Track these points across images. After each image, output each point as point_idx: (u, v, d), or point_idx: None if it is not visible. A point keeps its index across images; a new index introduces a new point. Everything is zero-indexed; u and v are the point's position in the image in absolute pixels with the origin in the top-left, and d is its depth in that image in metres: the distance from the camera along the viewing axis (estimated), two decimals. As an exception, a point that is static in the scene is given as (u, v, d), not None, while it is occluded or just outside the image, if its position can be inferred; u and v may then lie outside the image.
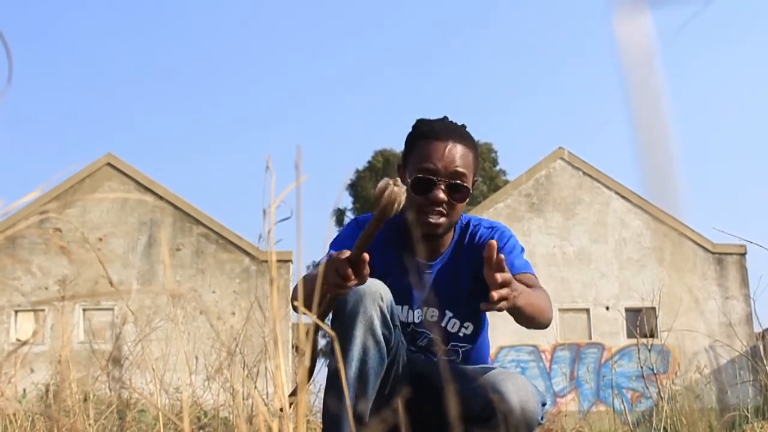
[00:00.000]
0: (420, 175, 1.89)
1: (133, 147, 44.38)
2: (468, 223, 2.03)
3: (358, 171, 32.33)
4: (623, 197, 17.37)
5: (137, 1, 46.82)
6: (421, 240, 1.92)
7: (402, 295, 1.96)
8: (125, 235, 15.97)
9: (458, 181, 1.89)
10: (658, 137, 0.60)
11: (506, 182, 27.22)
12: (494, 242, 1.61)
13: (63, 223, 14.18)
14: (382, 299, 1.73)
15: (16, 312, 15.47)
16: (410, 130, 2.02)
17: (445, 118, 2.00)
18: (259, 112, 49.83)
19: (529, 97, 51.06)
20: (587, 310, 16.79)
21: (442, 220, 1.90)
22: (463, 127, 2.00)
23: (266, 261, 15.41)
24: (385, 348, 1.73)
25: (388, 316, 1.75)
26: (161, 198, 15.97)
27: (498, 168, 32.92)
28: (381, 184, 1.54)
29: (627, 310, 16.20)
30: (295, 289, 1.72)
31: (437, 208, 1.88)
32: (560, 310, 16.73)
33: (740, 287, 17.01)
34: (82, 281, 14.51)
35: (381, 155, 32.20)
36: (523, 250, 2.02)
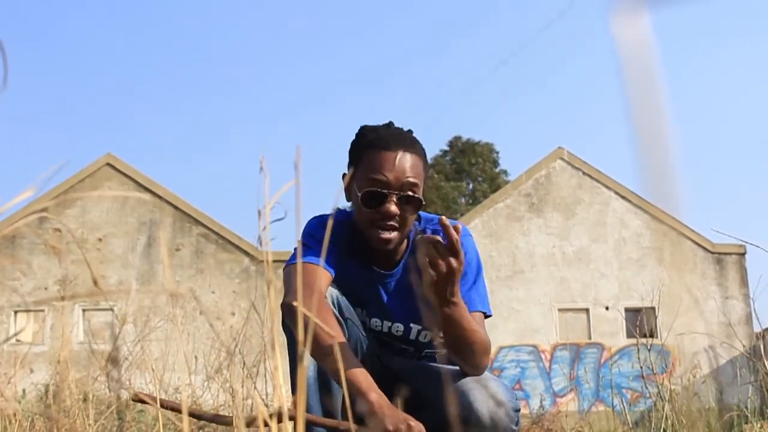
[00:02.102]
0: (370, 188, 1.80)
1: (132, 147, 44.36)
2: (425, 227, 1.94)
3: (357, 171, 32.25)
4: (623, 197, 17.37)
5: (137, 1, 46.83)
6: (377, 250, 1.85)
7: (368, 306, 1.93)
8: (125, 235, 15.97)
9: (410, 193, 1.80)
10: (658, 137, 0.60)
11: (507, 182, 27.23)
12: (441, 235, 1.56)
13: (62, 223, 14.18)
14: (326, 296, 1.72)
15: (16, 312, 15.47)
16: (355, 137, 1.92)
17: (391, 124, 1.92)
18: (259, 112, 49.84)
19: (529, 97, 51.07)
20: (587, 310, 16.78)
21: (394, 234, 1.81)
22: (410, 133, 1.91)
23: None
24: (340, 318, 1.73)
25: (336, 311, 1.73)
26: (161, 198, 15.97)
27: (499, 169, 32.92)
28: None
29: (627, 310, 16.20)
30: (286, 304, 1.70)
31: (389, 222, 1.80)
32: (560, 310, 16.73)
33: (740, 287, 17.02)
34: (81, 281, 14.51)
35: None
36: (478, 270, 1.90)
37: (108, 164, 16.37)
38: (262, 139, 44.84)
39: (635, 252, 17.07)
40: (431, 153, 33.48)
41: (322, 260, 1.78)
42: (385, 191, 1.79)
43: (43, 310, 15.11)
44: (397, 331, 1.94)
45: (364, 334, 1.87)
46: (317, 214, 1.99)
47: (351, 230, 1.89)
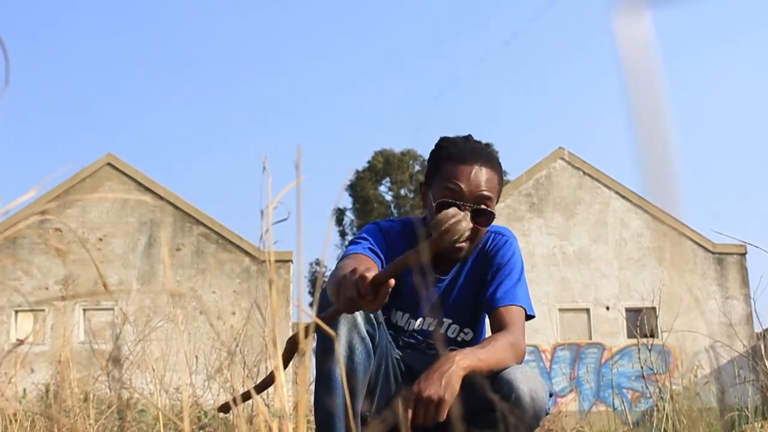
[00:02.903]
0: (445, 199, 1.86)
1: (133, 147, 44.38)
2: (489, 236, 2.01)
3: (357, 171, 32.31)
4: (623, 197, 17.37)
5: (137, 1, 46.83)
6: (437, 255, 1.88)
7: (408, 304, 1.97)
8: (125, 235, 15.97)
9: (483, 206, 1.86)
10: (658, 137, 0.60)
11: (506, 182, 27.23)
12: None
13: (63, 223, 14.18)
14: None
15: (17, 312, 15.47)
16: (434, 148, 1.98)
17: (470, 137, 1.97)
18: (259, 111, 49.84)
19: (529, 97, 51.07)
20: (587, 310, 16.78)
21: (465, 245, 1.87)
22: (488, 147, 1.98)
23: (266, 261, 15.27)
24: (370, 344, 1.74)
25: (371, 314, 1.76)
26: (161, 198, 15.97)
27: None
28: (450, 211, 1.50)
29: (627, 310, 16.20)
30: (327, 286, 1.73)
31: None
32: (560, 310, 16.73)
33: (740, 287, 17.01)
34: (82, 281, 14.52)
35: (381, 155, 32.20)
36: (522, 271, 1.97)
37: (108, 164, 16.37)
38: (263, 138, 44.86)
39: (636, 252, 17.07)
40: (428, 153, 33.44)
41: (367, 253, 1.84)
42: (459, 202, 1.84)
43: (43, 310, 15.12)
44: (430, 325, 1.98)
45: (391, 340, 1.90)
46: (374, 221, 2.05)
47: (406, 240, 1.95)
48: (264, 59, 51.07)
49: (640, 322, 11.77)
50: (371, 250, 1.86)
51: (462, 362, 1.66)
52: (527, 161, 26.88)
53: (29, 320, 15.45)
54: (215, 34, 50.43)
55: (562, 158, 17.72)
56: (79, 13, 46.90)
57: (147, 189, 16.14)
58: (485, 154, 1.91)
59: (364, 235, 1.92)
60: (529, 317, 1.93)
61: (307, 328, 1.06)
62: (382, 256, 1.87)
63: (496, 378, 1.72)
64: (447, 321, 1.99)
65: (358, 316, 1.71)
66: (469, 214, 1.52)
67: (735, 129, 47.16)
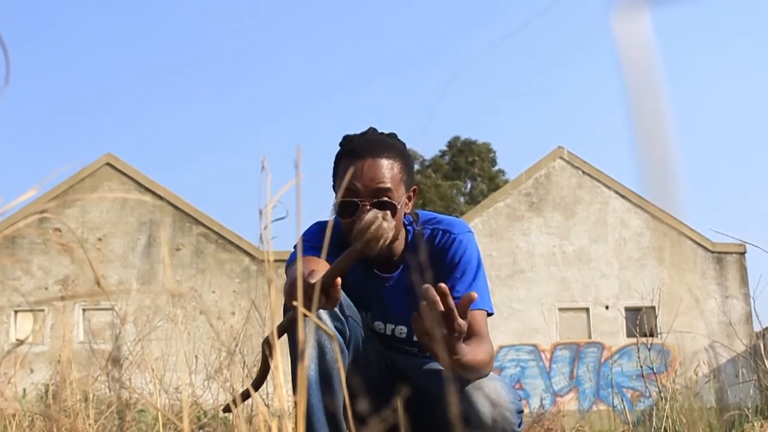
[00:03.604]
0: (342, 199, 1.81)
1: (132, 147, 44.37)
2: (423, 227, 1.92)
3: (357, 171, 32.25)
4: (623, 196, 17.37)
5: (137, 1, 46.83)
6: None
7: (371, 309, 1.94)
8: (125, 235, 15.97)
9: (384, 198, 1.80)
10: (658, 136, 0.60)
11: (506, 182, 27.23)
12: (444, 289, 1.49)
13: (62, 223, 14.18)
14: None
15: (16, 312, 15.47)
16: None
17: (370, 130, 1.91)
18: (259, 111, 49.84)
19: (529, 97, 51.08)
20: (587, 310, 16.79)
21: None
22: (390, 137, 1.90)
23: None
24: (341, 340, 1.72)
25: (337, 309, 1.73)
26: (161, 198, 15.97)
27: (497, 168, 32.94)
28: (369, 216, 1.48)
29: (627, 309, 16.21)
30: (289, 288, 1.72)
31: None
32: (560, 309, 16.74)
33: (740, 286, 17.02)
34: (82, 281, 14.51)
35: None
36: (478, 268, 1.87)
37: (108, 164, 16.37)
38: (263, 138, 44.85)
39: (635, 251, 17.07)
40: (430, 153, 33.44)
41: (323, 255, 1.79)
42: (356, 200, 1.80)
43: (43, 310, 15.11)
44: (400, 333, 1.94)
45: (364, 333, 1.87)
46: (317, 221, 2.00)
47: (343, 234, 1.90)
48: (264, 59, 51.08)
49: (640, 321, 11.79)
50: (315, 248, 1.81)
51: (457, 354, 1.59)
52: (527, 161, 26.89)
53: (29, 320, 15.44)
54: (215, 34, 50.44)
55: (562, 158, 17.72)
56: (80, 12, 46.91)
57: (146, 189, 16.14)
58: (379, 145, 1.85)
59: (308, 236, 1.89)
60: (488, 315, 1.87)
61: (272, 334, 1.08)
62: (327, 252, 1.81)
63: (459, 398, 1.69)
64: (404, 328, 1.93)
65: (323, 313, 1.68)
66: (387, 213, 1.49)
67: (735, 129, 47.18)
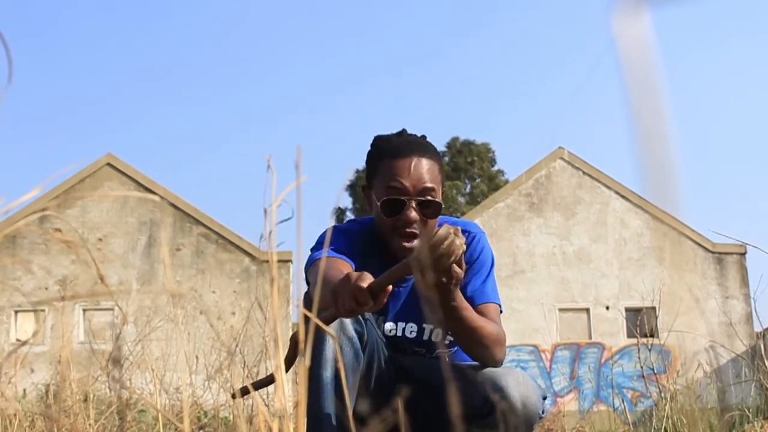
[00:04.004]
0: (388, 197, 1.82)
1: (133, 147, 44.38)
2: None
3: (357, 171, 32.30)
4: (623, 197, 17.37)
5: (137, 1, 46.84)
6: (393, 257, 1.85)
7: (384, 312, 1.93)
8: (125, 235, 15.97)
9: (429, 197, 1.83)
10: (658, 136, 0.60)
11: (506, 182, 27.23)
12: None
13: (63, 223, 14.19)
14: None
15: (17, 312, 15.47)
16: (370, 148, 1.95)
17: (404, 131, 1.94)
18: (259, 112, 49.84)
19: (529, 97, 51.07)
20: (587, 310, 16.78)
21: (416, 242, 1.83)
22: (424, 138, 1.94)
23: (266, 261, 15.38)
24: (358, 344, 1.72)
25: None
26: (161, 198, 15.97)
27: (496, 168, 32.94)
28: (442, 231, 1.47)
29: (627, 309, 16.20)
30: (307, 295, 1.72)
31: (409, 229, 1.82)
32: (560, 309, 16.73)
33: (740, 287, 17.01)
34: (82, 281, 14.51)
35: (381, 155, 32.14)
36: (492, 267, 1.94)
37: (108, 164, 16.37)
38: (263, 139, 44.86)
39: (636, 252, 17.07)
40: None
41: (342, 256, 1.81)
42: (404, 198, 1.82)
43: (43, 310, 15.11)
44: (410, 332, 1.95)
45: (381, 336, 1.88)
46: (333, 225, 2.00)
47: (368, 238, 1.91)
48: (264, 59, 51.09)
49: (640, 321, 11.76)
50: (339, 251, 1.82)
51: (455, 301, 1.64)
52: (527, 161, 26.89)
53: (29, 320, 15.44)
54: (215, 34, 50.45)
55: (562, 158, 17.72)
56: (80, 12, 46.92)
57: (147, 189, 16.14)
58: (421, 145, 1.88)
59: (329, 239, 1.88)
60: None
61: (307, 329, 1.06)
62: (348, 254, 1.84)
63: (488, 382, 1.71)
64: (428, 327, 1.94)
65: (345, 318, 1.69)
66: (459, 228, 1.49)
67: (735, 129, 47.17)
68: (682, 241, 17.24)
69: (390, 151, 1.87)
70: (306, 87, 51.18)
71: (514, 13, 50.66)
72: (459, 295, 1.66)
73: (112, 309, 14.94)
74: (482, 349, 1.75)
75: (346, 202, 32.57)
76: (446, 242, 1.46)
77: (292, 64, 50.61)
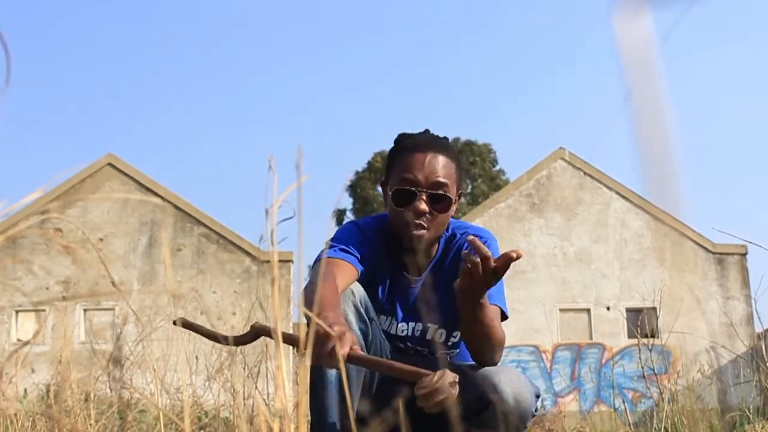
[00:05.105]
0: (400, 187, 1.86)
1: (133, 147, 44.40)
2: (453, 233, 2.00)
3: (357, 172, 32.31)
4: (624, 197, 17.36)
5: (138, 1, 46.86)
6: (409, 254, 1.89)
7: (387, 308, 1.95)
8: (126, 236, 15.97)
9: (440, 191, 1.86)
10: (659, 137, 0.60)
11: (506, 182, 27.22)
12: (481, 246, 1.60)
13: (64, 223, 14.20)
14: (353, 295, 1.74)
15: (17, 312, 15.47)
16: (393, 145, 1.98)
17: (427, 131, 1.97)
18: (260, 112, 49.85)
19: (530, 97, 51.07)
20: (588, 311, 16.78)
21: (424, 233, 1.86)
22: (446, 139, 1.97)
23: (267, 261, 15.43)
24: (363, 343, 1.74)
25: (362, 311, 1.76)
26: (162, 198, 15.98)
27: (497, 168, 32.94)
28: (444, 383, 1.47)
29: (628, 310, 16.19)
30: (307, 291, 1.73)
31: (418, 221, 1.84)
32: (561, 310, 16.73)
33: (741, 287, 17.00)
34: (83, 281, 14.52)
35: (381, 156, 32.17)
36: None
37: (109, 164, 16.37)
38: (263, 138, 44.87)
39: (636, 252, 17.06)
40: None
41: (348, 257, 1.83)
42: (414, 189, 1.85)
43: (44, 310, 15.12)
44: (417, 331, 1.97)
45: (384, 337, 1.90)
46: (350, 220, 2.03)
47: (384, 237, 1.94)
48: (265, 59, 51.10)
49: (641, 322, 11.77)
50: (345, 251, 1.84)
51: (484, 299, 1.70)
52: (528, 161, 26.89)
53: (30, 320, 15.45)
54: (216, 35, 50.46)
55: (563, 158, 17.72)
56: (80, 12, 46.94)
57: (148, 189, 16.14)
58: (440, 143, 1.92)
59: (342, 235, 1.91)
60: (503, 318, 1.92)
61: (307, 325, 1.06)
62: (357, 254, 1.86)
63: (482, 379, 1.73)
64: (432, 326, 1.96)
65: (350, 314, 1.71)
66: (456, 383, 1.50)
67: (736, 128, 47.15)
68: (683, 241, 17.23)
69: (409, 145, 1.91)
70: (306, 87, 51.19)
71: (516, 13, 50.68)
72: (486, 296, 1.71)
73: (113, 309, 14.95)
74: (488, 349, 1.78)
75: (346, 202, 32.59)
76: (441, 396, 1.47)
77: (292, 64, 50.62)
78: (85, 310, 15.18)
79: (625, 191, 17.37)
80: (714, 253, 17.17)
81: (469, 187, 32.86)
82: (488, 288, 1.65)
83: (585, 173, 17.58)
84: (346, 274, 1.77)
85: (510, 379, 1.73)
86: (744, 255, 17.15)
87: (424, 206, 1.84)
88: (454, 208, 1.94)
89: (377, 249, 1.91)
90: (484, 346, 1.78)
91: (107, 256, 15.58)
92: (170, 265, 14.25)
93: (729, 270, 17.13)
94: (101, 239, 15.77)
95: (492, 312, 1.78)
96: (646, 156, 0.61)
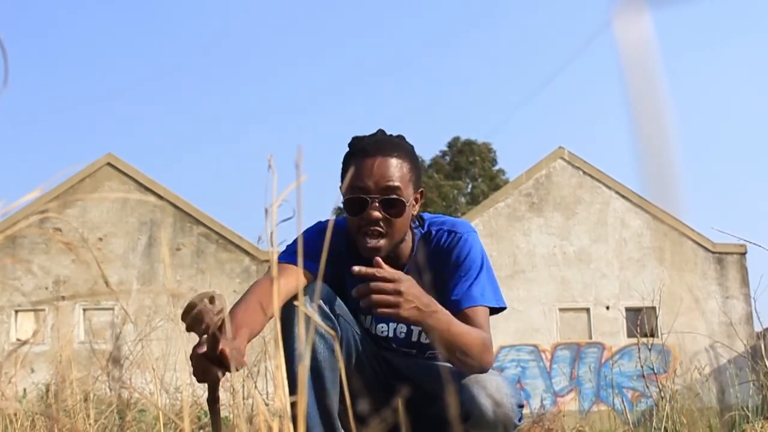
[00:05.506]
0: (351, 195, 1.80)
1: (133, 147, 44.39)
2: (429, 230, 1.94)
3: (357, 171, 32.26)
4: (623, 197, 17.37)
5: (138, 1, 46.86)
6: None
7: (363, 308, 1.93)
8: (125, 235, 15.97)
9: (393, 196, 1.79)
10: (659, 136, 0.60)
11: (506, 181, 27.22)
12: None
13: (63, 223, 14.19)
14: (314, 292, 1.73)
15: (17, 312, 15.47)
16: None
17: (379, 131, 1.91)
18: (260, 112, 49.85)
19: (529, 97, 51.03)
20: (587, 310, 16.79)
21: (382, 242, 1.81)
22: (399, 138, 1.90)
23: (267, 261, 15.43)
24: (332, 340, 1.72)
25: (327, 308, 1.74)
26: (161, 198, 15.98)
27: (497, 167, 32.96)
28: (194, 299, 1.44)
29: (627, 309, 16.21)
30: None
31: (374, 228, 1.79)
32: (560, 309, 16.74)
33: (740, 287, 17.02)
34: (82, 281, 14.52)
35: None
36: (482, 268, 1.90)
37: (108, 164, 16.37)
38: (263, 139, 44.86)
39: (636, 252, 17.07)
40: (430, 154, 33.44)
41: (299, 260, 1.81)
42: (365, 197, 1.79)
43: (43, 310, 15.12)
44: (400, 333, 1.95)
45: (358, 332, 1.87)
46: (318, 220, 2.00)
47: (345, 237, 1.91)
48: (265, 59, 51.09)
49: (640, 321, 11.78)
50: (295, 254, 1.82)
51: (435, 310, 1.66)
52: (527, 161, 26.89)
53: (29, 320, 15.45)
54: (216, 34, 50.45)
55: (562, 158, 17.72)
56: (79, 12, 46.92)
57: (147, 189, 16.15)
58: (390, 145, 1.85)
59: (305, 237, 1.88)
60: (498, 310, 1.89)
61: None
62: (310, 256, 1.83)
63: (463, 389, 1.71)
64: (416, 329, 1.93)
65: (315, 313, 1.70)
66: (214, 297, 1.44)
67: (736, 128, 47.17)
68: (683, 241, 17.24)
69: (358, 151, 1.85)
70: (306, 87, 51.20)
71: (516, 13, 50.69)
72: (432, 303, 1.67)
73: (112, 309, 14.95)
74: (466, 357, 1.72)
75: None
76: (195, 310, 1.43)
77: (292, 64, 50.62)
78: (84, 310, 15.18)
79: (625, 191, 17.38)
80: (713, 253, 17.18)
81: (469, 186, 32.88)
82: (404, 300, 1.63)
83: (584, 173, 17.58)
84: (290, 277, 1.74)
85: (489, 390, 1.70)
86: (743, 254, 17.17)
87: (377, 213, 1.79)
88: (414, 209, 1.89)
89: (347, 252, 1.88)
90: (461, 356, 1.71)
91: (107, 255, 15.58)
92: (169, 265, 14.25)
93: (728, 269, 17.15)
94: (101, 239, 15.77)
95: (448, 319, 1.71)
96: (646, 155, 0.61)
